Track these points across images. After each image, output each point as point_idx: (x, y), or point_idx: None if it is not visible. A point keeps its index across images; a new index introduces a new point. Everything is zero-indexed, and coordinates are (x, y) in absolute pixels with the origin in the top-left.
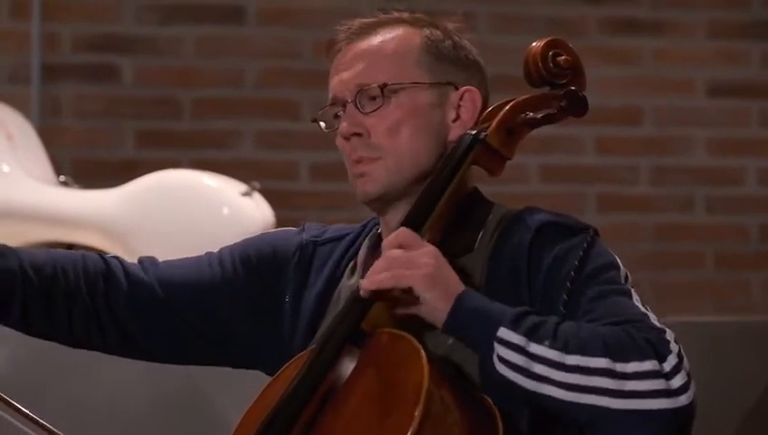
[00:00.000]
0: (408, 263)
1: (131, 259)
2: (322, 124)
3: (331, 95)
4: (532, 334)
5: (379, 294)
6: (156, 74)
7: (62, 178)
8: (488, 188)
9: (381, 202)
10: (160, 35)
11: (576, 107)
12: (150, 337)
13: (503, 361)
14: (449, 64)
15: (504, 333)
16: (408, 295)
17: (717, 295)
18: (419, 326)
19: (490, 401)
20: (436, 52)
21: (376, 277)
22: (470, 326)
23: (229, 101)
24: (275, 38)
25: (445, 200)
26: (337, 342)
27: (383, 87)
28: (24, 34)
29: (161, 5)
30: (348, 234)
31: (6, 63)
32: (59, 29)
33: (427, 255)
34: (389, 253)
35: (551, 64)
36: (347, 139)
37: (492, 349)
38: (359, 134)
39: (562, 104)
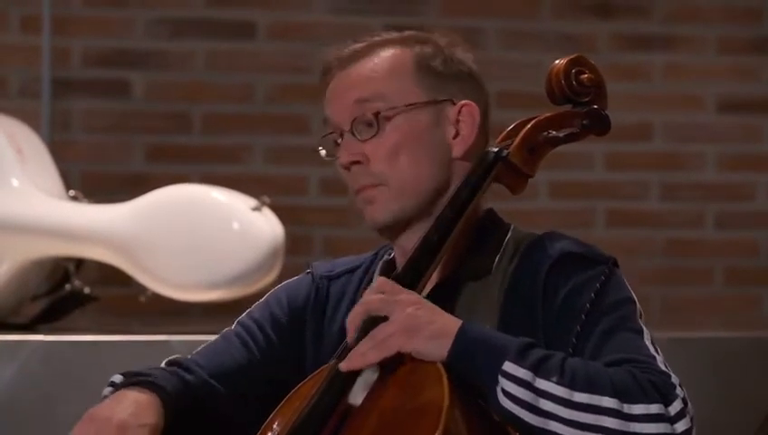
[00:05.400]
0: (387, 327)
1: (141, 273)
2: (323, 152)
3: (328, 123)
4: (538, 369)
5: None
6: (166, 89)
7: (72, 192)
8: (497, 204)
9: (392, 229)
10: (171, 50)
11: (599, 126)
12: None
13: (508, 395)
14: (443, 79)
15: (509, 366)
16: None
17: (727, 311)
18: None
19: None
20: (428, 69)
21: (359, 358)
22: (474, 359)
23: (239, 115)
24: (286, 53)
25: (465, 218)
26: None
27: (377, 114)
28: (35, 49)
29: (172, 20)
30: (360, 265)
31: (16, 78)
32: (69, 43)
33: (401, 307)
34: (358, 323)
35: (574, 82)
36: (347, 168)
37: (496, 382)
38: (358, 162)
39: (585, 123)
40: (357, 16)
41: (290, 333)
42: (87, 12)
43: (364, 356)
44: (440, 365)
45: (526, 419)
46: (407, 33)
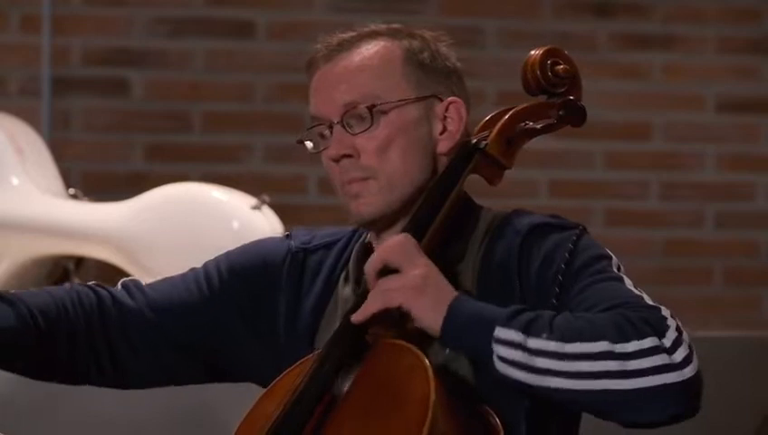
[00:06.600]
0: (395, 279)
1: (140, 272)
2: (309, 144)
3: (314, 115)
4: (528, 329)
5: (371, 319)
6: (166, 88)
7: (72, 190)
8: (496, 202)
9: (378, 224)
10: (170, 49)
11: (575, 116)
12: (144, 364)
13: (504, 360)
14: (431, 74)
15: (500, 332)
16: (401, 311)
17: (727, 311)
18: (419, 334)
19: (491, 411)
20: (416, 63)
21: (364, 307)
22: (466, 332)
23: (239, 114)
24: (285, 52)
25: (444, 211)
26: (338, 355)
27: (371, 107)
28: (35, 48)
29: (171, 19)
30: (338, 240)
31: (17, 77)
32: (69, 42)
33: (416, 266)
34: (376, 270)
35: (549, 73)
36: (336, 161)
37: (491, 351)
38: (348, 155)
39: (561, 113)
40: (356, 16)
41: (248, 287)
42: (87, 11)
43: (366, 305)
44: (424, 356)
45: (525, 380)
46: (394, 25)
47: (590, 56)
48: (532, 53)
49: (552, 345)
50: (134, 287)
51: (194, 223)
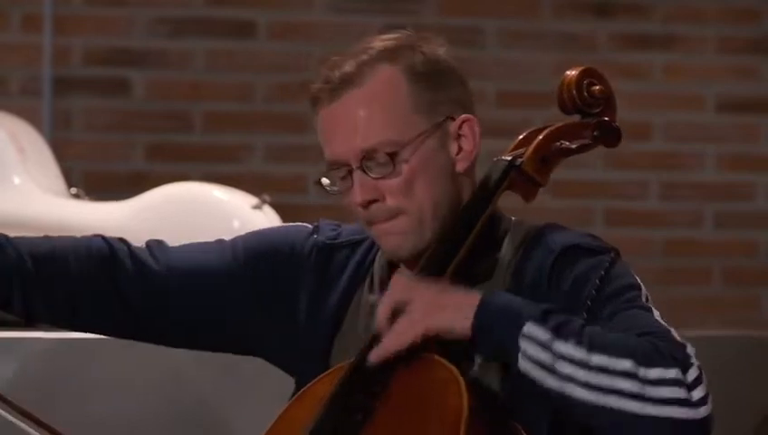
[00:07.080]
0: (411, 311)
1: None
2: (325, 181)
3: (329, 158)
4: (557, 332)
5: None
6: (166, 88)
7: (73, 190)
8: (498, 203)
9: (411, 260)
10: (171, 49)
11: (610, 137)
12: (157, 322)
13: (528, 358)
14: (435, 90)
15: (530, 328)
16: (426, 339)
17: (726, 311)
18: (446, 352)
19: (521, 427)
20: (421, 82)
21: (383, 349)
22: (496, 325)
23: (239, 114)
24: (286, 52)
25: (477, 229)
26: (368, 369)
27: (392, 154)
28: (36, 47)
29: (172, 19)
30: (364, 239)
31: (18, 76)
32: (70, 42)
33: (426, 289)
34: (388, 317)
35: (585, 93)
36: (364, 207)
37: (517, 346)
38: (374, 200)
39: (596, 134)
40: (356, 16)
41: (270, 270)
42: (88, 10)
43: (389, 343)
44: (456, 370)
45: (545, 382)
46: (389, 42)
47: (590, 56)
48: (569, 72)
49: (578, 353)
50: (158, 249)
51: (194, 222)
